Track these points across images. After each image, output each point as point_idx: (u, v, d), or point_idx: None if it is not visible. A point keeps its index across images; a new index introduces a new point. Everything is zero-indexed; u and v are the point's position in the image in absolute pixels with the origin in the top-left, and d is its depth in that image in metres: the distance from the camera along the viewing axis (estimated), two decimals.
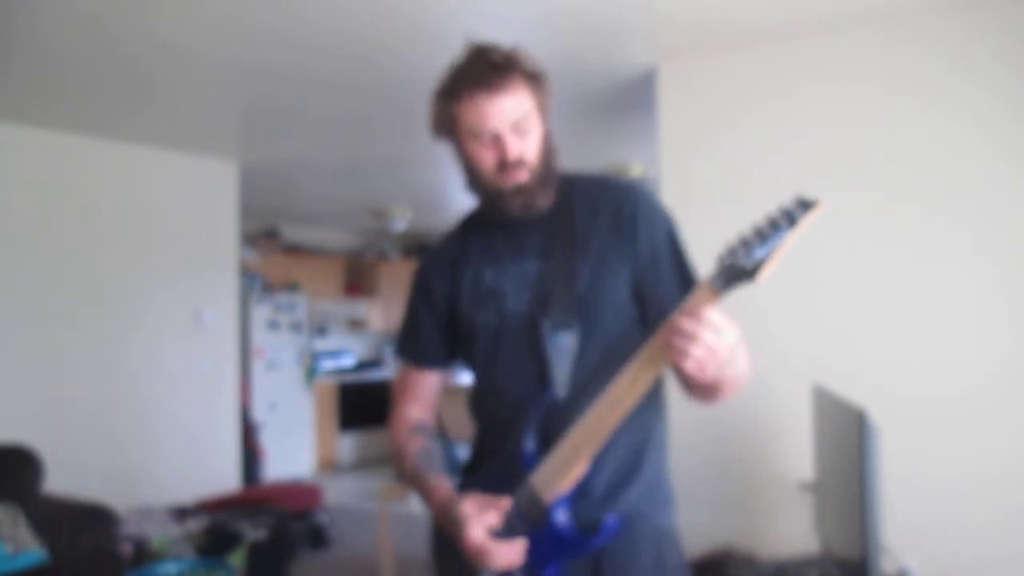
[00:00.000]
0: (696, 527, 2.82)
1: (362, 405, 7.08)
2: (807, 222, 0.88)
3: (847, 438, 1.85)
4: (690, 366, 0.94)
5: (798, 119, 2.79)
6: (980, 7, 2.50)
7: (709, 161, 2.95)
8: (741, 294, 2.84)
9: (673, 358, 0.95)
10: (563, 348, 1.15)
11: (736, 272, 0.91)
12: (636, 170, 4.73)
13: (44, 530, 2.83)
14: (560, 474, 1.07)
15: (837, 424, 2.00)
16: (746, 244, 0.91)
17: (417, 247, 8.06)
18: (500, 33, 2.87)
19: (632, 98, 3.42)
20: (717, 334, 0.93)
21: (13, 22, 2.53)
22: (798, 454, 2.56)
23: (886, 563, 1.90)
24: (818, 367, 2.55)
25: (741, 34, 2.78)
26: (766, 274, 0.89)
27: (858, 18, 2.63)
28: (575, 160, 4.54)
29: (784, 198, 0.92)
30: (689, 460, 2.91)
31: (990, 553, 2.36)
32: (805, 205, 0.89)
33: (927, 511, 2.42)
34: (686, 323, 0.93)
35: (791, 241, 0.88)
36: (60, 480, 3.24)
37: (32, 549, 2.74)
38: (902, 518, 2.15)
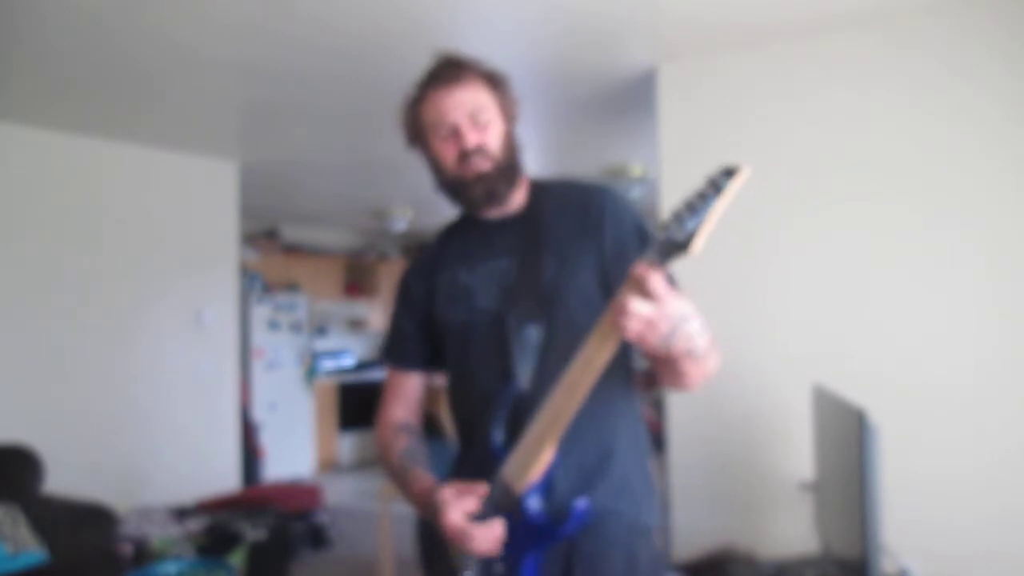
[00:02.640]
0: (696, 527, 2.82)
1: (362, 405, 7.07)
2: (732, 189, 0.93)
3: (847, 438, 1.85)
4: (630, 335, 0.96)
5: (798, 119, 2.80)
6: (980, 7, 2.51)
7: (709, 161, 2.94)
8: (743, 295, 2.86)
9: (617, 328, 0.97)
10: (529, 341, 1.18)
11: (671, 246, 0.94)
12: (636, 170, 4.73)
13: (44, 530, 2.82)
14: (528, 464, 1.08)
15: (837, 424, 2.00)
16: (678, 218, 0.94)
17: (417, 247, 8.06)
18: (500, 33, 2.86)
19: (632, 98, 3.42)
20: (658, 304, 0.95)
21: (14, 22, 2.53)
22: (798, 454, 2.56)
23: (886, 563, 1.89)
24: (818, 367, 2.55)
25: (741, 34, 2.77)
26: (699, 244, 0.93)
27: (858, 19, 2.63)
28: (575, 160, 4.56)
29: (710, 170, 0.97)
30: (689, 460, 2.91)
31: (990, 553, 2.36)
32: (729, 172, 0.94)
33: (927, 511, 2.42)
34: (625, 292, 0.95)
35: (719, 209, 0.93)
36: (60, 480, 3.24)
37: (32, 549, 2.74)
38: (902, 518, 2.15)
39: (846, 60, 2.72)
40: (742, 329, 2.73)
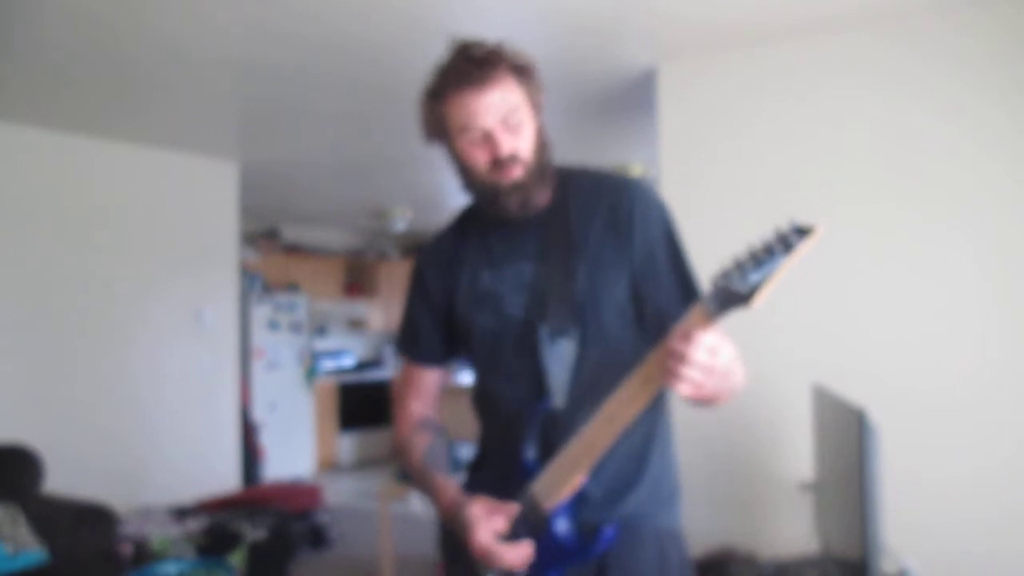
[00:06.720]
0: (697, 527, 2.81)
1: (362, 405, 7.08)
2: (803, 249, 0.86)
3: (847, 438, 1.85)
4: (685, 390, 0.92)
5: (798, 119, 2.80)
6: (980, 7, 2.51)
7: (709, 161, 2.95)
8: None
9: (669, 382, 0.93)
10: (561, 355, 1.14)
11: (730, 296, 0.89)
12: (636, 170, 4.73)
13: (44, 530, 2.82)
14: (558, 484, 1.08)
15: (837, 424, 2.00)
16: (740, 268, 0.88)
17: (417, 247, 8.05)
18: (500, 32, 2.86)
19: (632, 98, 3.42)
20: (712, 355, 0.91)
21: (14, 22, 2.53)
22: (798, 454, 2.56)
23: (886, 563, 1.89)
24: (818, 367, 2.55)
25: (742, 34, 2.78)
26: (761, 299, 0.87)
27: (858, 19, 2.63)
28: (575, 160, 4.54)
29: (780, 221, 0.89)
30: (690, 460, 2.90)
31: (990, 553, 2.36)
32: (801, 232, 0.86)
33: (927, 511, 2.42)
34: (680, 346, 0.91)
35: (786, 268, 0.86)
36: (60, 480, 3.24)
37: (32, 549, 2.74)
38: (902, 518, 2.15)
39: (846, 60, 2.72)
40: (742, 329, 2.72)
